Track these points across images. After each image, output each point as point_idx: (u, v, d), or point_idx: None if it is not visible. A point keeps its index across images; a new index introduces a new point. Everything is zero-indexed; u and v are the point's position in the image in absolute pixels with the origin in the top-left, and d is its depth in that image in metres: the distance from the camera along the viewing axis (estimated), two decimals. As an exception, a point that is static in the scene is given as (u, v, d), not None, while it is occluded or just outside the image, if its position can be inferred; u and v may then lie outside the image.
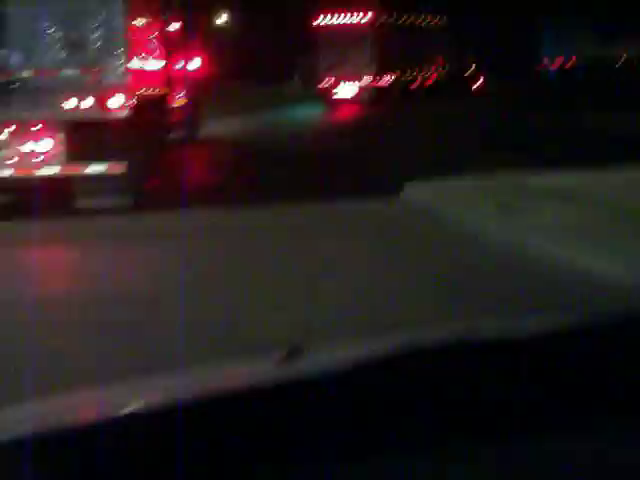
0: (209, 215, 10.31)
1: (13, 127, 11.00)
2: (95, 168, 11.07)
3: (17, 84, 10.92)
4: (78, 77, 10.94)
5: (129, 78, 11.04)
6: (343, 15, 34.46)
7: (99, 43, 10.92)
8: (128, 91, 11.03)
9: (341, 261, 8.04)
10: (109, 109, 10.93)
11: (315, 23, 35.09)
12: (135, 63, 11.68)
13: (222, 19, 43.81)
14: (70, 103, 10.91)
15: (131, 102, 11.08)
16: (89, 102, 10.91)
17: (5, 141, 11.05)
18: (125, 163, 11.12)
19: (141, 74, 12.22)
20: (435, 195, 10.86)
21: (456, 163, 13.55)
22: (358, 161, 16.14)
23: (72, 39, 10.98)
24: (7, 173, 11.05)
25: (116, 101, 10.92)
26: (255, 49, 40.19)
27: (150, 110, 13.01)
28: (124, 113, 10.96)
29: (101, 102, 10.91)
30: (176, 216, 10.18)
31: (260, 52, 39.90)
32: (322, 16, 35.09)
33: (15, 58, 10.97)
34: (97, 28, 10.92)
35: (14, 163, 11.03)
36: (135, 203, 11.31)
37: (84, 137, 11.17)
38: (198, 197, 12.14)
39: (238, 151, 19.09)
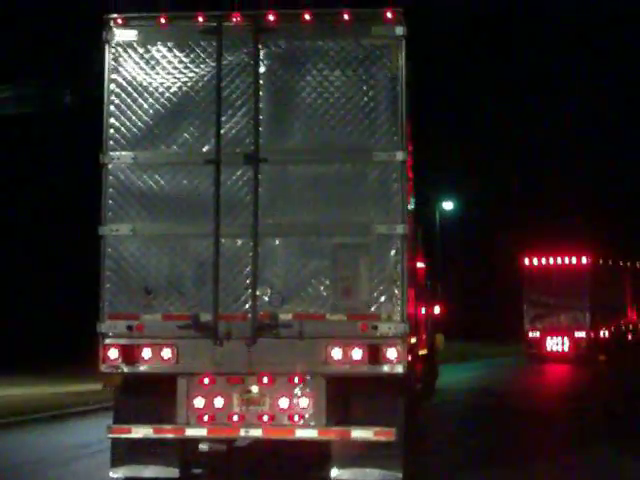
0: None
1: (266, 379, 9.24)
2: (360, 433, 9.14)
3: (274, 328, 9.22)
4: (346, 323, 9.18)
5: (407, 326, 9.20)
6: (553, 258, 32.48)
7: (374, 285, 9.18)
8: (405, 342, 9.18)
9: None
10: (383, 363, 9.07)
11: (522, 264, 33.21)
12: (411, 308, 9.89)
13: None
14: (335, 354, 9.12)
15: (408, 355, 9.23)
16: (358, 354, 9.10)
17: (257, 395, 9.29)
18: (395, 428, 9.17)
19: (413, 321, 10.43)
20: None
21: None
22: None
23: (341, 278, 9.28)
24: (256, 433, 9.23)
25: (393, 354, 9.06)
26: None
27: (413, 362, 11.16)
28: (400, 368, 9.08)
29: (374, 354, 9.07)
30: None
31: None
32: (528, 258, 33.27)
33: (273, 298, 9.33)
34: (373, 267, 9.21)
35: (264, 422, 9.21)
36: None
37: (350, 395, 9.33)
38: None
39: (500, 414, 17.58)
